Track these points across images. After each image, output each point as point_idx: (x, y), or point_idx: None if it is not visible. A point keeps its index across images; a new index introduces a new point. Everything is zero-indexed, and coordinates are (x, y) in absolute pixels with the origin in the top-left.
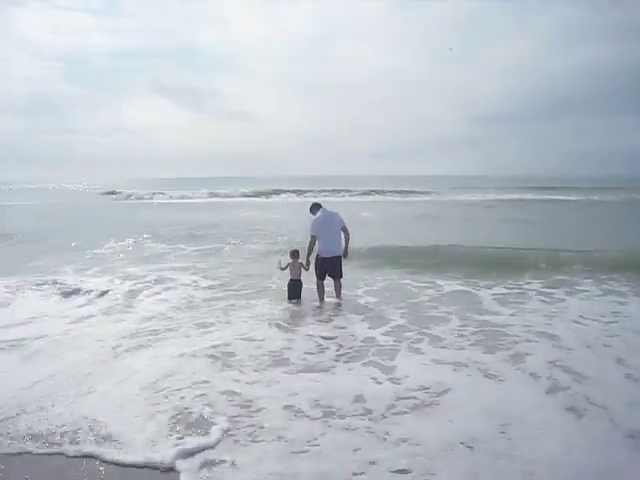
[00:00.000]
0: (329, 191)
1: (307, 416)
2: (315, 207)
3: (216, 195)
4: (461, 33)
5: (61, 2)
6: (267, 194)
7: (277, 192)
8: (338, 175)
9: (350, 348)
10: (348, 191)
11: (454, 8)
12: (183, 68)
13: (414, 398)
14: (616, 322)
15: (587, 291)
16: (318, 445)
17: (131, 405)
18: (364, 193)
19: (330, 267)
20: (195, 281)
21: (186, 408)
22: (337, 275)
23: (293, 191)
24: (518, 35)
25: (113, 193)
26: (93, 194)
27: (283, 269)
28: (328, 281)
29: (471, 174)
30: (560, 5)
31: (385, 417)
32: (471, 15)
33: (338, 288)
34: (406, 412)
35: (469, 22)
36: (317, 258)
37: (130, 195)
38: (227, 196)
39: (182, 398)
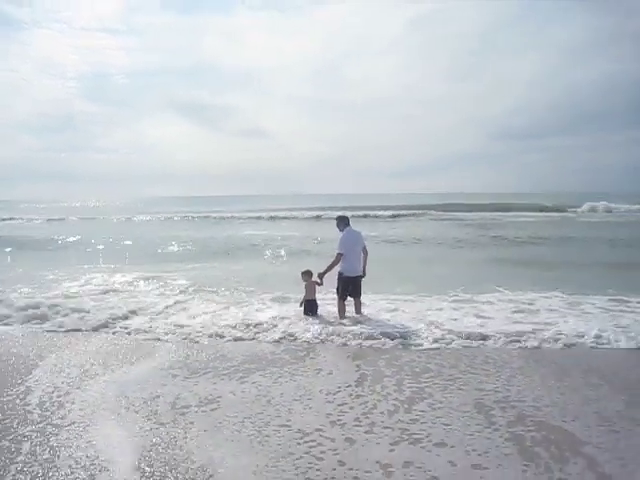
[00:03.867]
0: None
1: None
2: (343, 221)
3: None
4: (479, 48)
5: (83, 23)
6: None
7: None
8: (358, 194)
9: None
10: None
11: (472, 23)
12: (199, 86)
13: None
14: None
15: None
16: None
17: None
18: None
19: (353, 286)
20: None
21: None
22: (358, 294)
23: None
24: (536, 48)
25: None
26: None
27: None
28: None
29: (510, 191)
30: (579, 15)
31: None
32: (488, 30)
33: (358, 306)
34: None
35: (487, 37)
36: (341, 277)
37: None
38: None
39: None
